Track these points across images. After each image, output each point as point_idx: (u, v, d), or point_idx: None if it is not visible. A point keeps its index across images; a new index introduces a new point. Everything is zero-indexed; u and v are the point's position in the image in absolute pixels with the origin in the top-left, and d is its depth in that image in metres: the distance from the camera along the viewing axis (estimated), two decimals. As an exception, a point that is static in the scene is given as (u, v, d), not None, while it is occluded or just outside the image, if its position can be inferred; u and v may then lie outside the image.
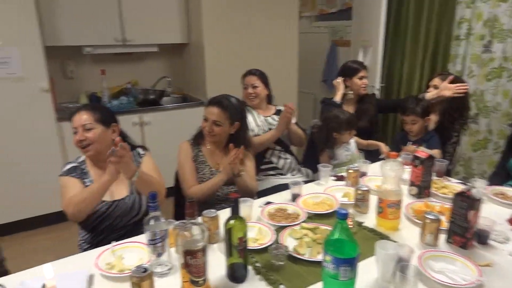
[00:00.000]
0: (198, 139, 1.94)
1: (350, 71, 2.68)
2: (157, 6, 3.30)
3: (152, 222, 1.16)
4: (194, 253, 1.02)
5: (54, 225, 2.99)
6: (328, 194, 1.74)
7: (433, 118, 2.44)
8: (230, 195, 1.13)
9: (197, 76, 3.53)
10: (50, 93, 2.77)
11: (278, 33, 3.57)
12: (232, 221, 1.13)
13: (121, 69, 3.53)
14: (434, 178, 1.83)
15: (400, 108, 2.39)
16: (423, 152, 1.73)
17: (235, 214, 1.13)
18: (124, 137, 1.69)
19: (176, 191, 2.04)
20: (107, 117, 1.62)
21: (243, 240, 1.13)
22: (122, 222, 1.62)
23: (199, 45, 3.36)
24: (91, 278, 1.20)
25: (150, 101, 3.38)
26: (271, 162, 2.36)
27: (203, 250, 1.04)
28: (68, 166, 1.63)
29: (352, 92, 2.68)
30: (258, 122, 2.36)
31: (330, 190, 1.81)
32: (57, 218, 2.96)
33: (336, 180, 1.98)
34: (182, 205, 1.97)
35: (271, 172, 2.34)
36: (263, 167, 2.34)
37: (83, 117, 1.55)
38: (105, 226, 1.61)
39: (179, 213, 2.02)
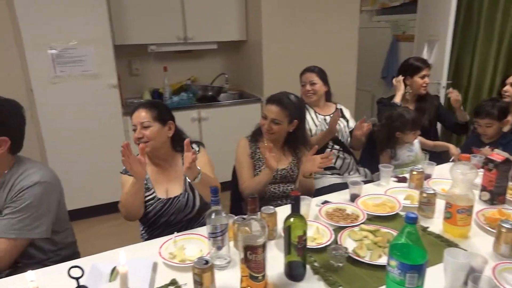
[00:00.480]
0: (256, 136, 1.95)
1: (411, 69, 2.55)
2: (217, 5, 3.37)
3: (213, 216, 1.19)
4: (254, 249, 1.03)
5: (117, 213, 3.18)
6: (389, 196, 1.67)
7: (510, 120, 2.25)
8: (291, 192, 1.12)
9: (254, 73, 3.57)
10: (118, 89, 2.96)
11: (337, 29, 3.49)
12: (292, 219, 1.12)
13: (182, 66, 3.66)
14: (511, 183, 1.68)
15: (474, 111, 2.24)
16: (498, 155, 1.59)
17: (295, 212, 1.13)
18: (180, 133, 1.74)
19: (233, 186, 2.07)
20: (164, 115, 1.64)
21: (303, 239, 1.12)
22: (176, 219, 1.67)
23: (257, 42, 3.38)
24: (155, 266, 1.26)
25: (208, 97, 3.48)
26: None
27: (263, 246, 1.05)
28: None
29: (411, 91, 2.55)
30: (316, 122, 2.33)
31: (391, 192, 1.74)
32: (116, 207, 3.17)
33: (397, 181, 1.90)
34: (239, 199, 2.02)
35: (327, 172, 2.30)
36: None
37: (142, 115, 1.59)
38: (161, 222, 1.67)
39: (236, 208, 2.06)
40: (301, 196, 1.50)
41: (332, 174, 2.29)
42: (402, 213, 1.55)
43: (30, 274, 0.83)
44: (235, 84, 3.86)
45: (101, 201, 3.14)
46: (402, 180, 1.89)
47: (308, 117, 2.29)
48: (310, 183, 1.80)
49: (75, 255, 1.61)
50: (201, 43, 3.46)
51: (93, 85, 2.86)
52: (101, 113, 2.94)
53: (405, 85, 2.57)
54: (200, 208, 1.69)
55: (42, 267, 1.29)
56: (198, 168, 1.50)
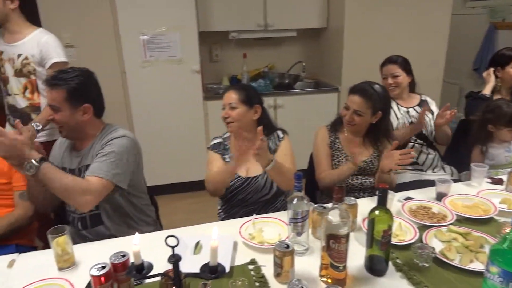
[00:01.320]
0: (336, 126, 1.91)
1: (503, 59, 2.31)
2: (299, -9, 3.34)
3: (295, 201, 1.20)
4: (338, 238, 1.02)
5: (200, 191, 3.34)
6: (482, 198, 1.53)
7: None
8: (379, 185, 1.08)
9: (333, 62, 3.48)
10: (200, 75, 3.09)
11: (426, 16, 3.25)
12: (377, 212, 1.09)
13: (260, 53, 3.70)
14: None
15: None
16: None
17: (381, 205, 1.09)
18: (266, 118, 1.77)
19: (307, 174, 2.06)
20: (251, 98, 1.70)
21: (388, 233, 1.08)
22: (252, 199, 1.72)
23: (338, 29, 3.28)
24: (235, 245, 1.31)
25: (284, 85, 3.48)
26: (416, 163, 2.19)
27: (347, 237, 1.03)
28: (215, 141, 1.79)
29: (500, 84, 2.30)
30: (398, 115, 2.20)
31: (485, 194, 1.59)
32: (203, 185, 3.32)
33: (491, 183, 1.73)
34: (314, 188, 2.01)
35: (409, 167, 2.18)
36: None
37: (231, 96, 1.67)
38: (237, 199, 1.73)
39: (310, 197, 2.05)
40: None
41: (414, 170, 2.16)
42: (498, 218, 1.42)
43: (136, 237, 0.91)
44: (311, 72, 3.81)
45: (183, 179, 3.32)
46: (497, 182, 1.73)
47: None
48: (389, 178, 1.72)
49: (157, 229, 1.73)
50: (281, 30, 3.45)
51: (178, 69, 3.02)
52: (184, 96, 3.10)
53: (496, 77, 2.32)
54: (277, 192, 1.72)
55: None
56: (272, 156, 1.52)
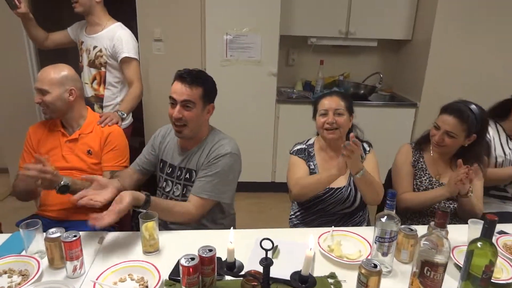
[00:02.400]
0: (421, 144, 1.80)
1: None
2: (386, 0, 3.22)
3: (384, 219, 1.15)
4: (435, 267, 0.96)
5: (262, 193, 3.37)
6: None
7: None
8: (487, 215, 0.99)
9: (414, 76, 3.31)
10: (276, 77, 3.10)
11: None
12: (479, 244, 1.00)
13: (337, 61, 3.63)
14: None
15: None
16: None
17: (486, 237, 1.00)
18: (354, 127, 1.75)
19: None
20: (352, 107, 1.71)
21: (490, 269, 0.99)
22: (334, 210, 1.68)
23: (424, 42, 3.12)
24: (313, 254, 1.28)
25: (359, 95, 3.38)
26: (504, 190, 2.01)
27: (445, 266, 0.96)
28: (298, 147, 1.77)
29: None
30: (506, 149, 1.99)
31: None
32: (266, 187, 3.35)
33: None
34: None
35: (496, 193, 2.00)
36: (491, 192, 2.01)
37: (339, 102, 1.64)
38: (318, 209, 1.70)
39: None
40: (471, 219, 1.36)
41: (504, 200, 1.98)
42: None
43: (231, 234, 0.93)
44: (388, 85, 3.66)
45: (247, 179, 3.35)
46: None
47: (496, 141, 2.01)
48: (469, 204, 1.59)
49: (232, 226, 1.76)
50: (362, 39, 3.37)
51: (256, 71, 3.07)
52: (258, 97, 3.14)
53: None
54: (359, 206, 1.68)
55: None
56: (362, 164, 1.48)
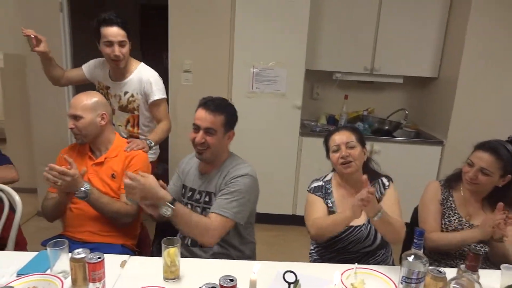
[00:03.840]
0: (451, 182, 1.75)
1: None
2: (412, 39, 3.27)
3: (411, 259, 1.11)
4: (466, 311, 0.91)
5: (282, 226, 3.33)
6: None
7: None
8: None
9: (440, 114, 3.28)
10: (300, 111, 3.14)
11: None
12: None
13: (361, 96, 3.65)
14: None
15: None
16: None
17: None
18: (370, 162, 1.74)
19: (410, 228, 1.91)
20: (363, 139, 1.70)
21: (527, 319, 0.94)
22: (354, 248, 1.63)
23: (451, 80, 3.11)
24: (335, 291, 1.25)
25: (384, 131, 3.37)
26: None
27: (477, 312, 0.91)
28: (315, 184, 1.74)
29: None
30: None
31: None
32: (287, 220, 3.30)
33: None
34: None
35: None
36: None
37: (349, 135, 1.65)
38: (337, 247, 1.65)
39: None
40: (505, 265, 1.29)
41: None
42: None
43: (256, 266, 0.92)
44: (414, 121, 3.63)
45: (266, 210, 3.33)
46: None
47: None
48: (502, 248, 1.52)
49: (253, 256, 1.74)
50: (387, 76, 3.39)
51: (280, 103, 3.12)
52: (282, 130, 3.17)
53: None
54: (380, 244, 1.62)
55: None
56: (380, 206, 1.44)
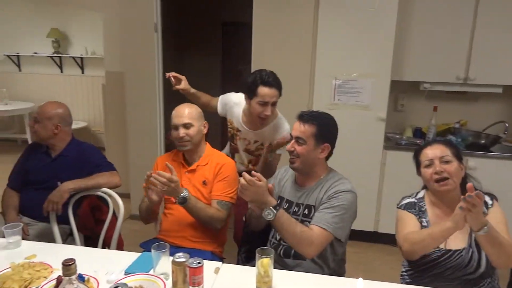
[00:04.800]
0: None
1: None
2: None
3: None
4: None
5: (363, 243, 3.21)
6: None
7: None
8: None
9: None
10: (384, 123, 3.01)
11: None
12: None
13: (452, 107, 3.38)
14: None
15: None
16: None
17: None
18: (466, 178, 1.58)
19: None
20: (460, 154, 1.58)
21: None
22: (453, 275, 1.48)
23: None
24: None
25: (479, 146, 3.07)
26: None
27: None
28: (406, 201, 1.64)
29: None
30: None
31: None
32: (367, 236, 3.18)
33: None
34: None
35: None
36: None
37: (444, 150, 1.54)
38: (434, 273, 1.51)
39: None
40: None
41: None
42: None
43: (359, 283, 0.89)
44: (514, 135, 3.27)
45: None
46: None
47: None
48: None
49: (342, 274, 1.69)
50: (483, 86, 3.10)
51: (363, 115, 3.02)
52: (364, 143, 3.06)
53: None
54: (484, 273, 1.45)
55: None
56: (486, 220, 1.30)
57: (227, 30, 5.17)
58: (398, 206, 1.65)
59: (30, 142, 2.04)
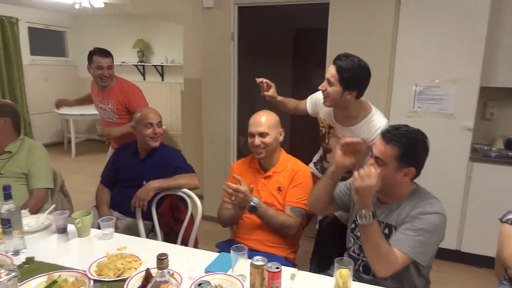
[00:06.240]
0: None
1: None
2: None
3: None
4: None
5: (443, 261, 2.98)
6: None
7: None
8: None
9: None
10: (471, 133, 2.78)
11: None
12: None
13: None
14: None
15: None
16: None
17: None
18: None
19: None
20: None
21: None
22: None
23: None
24: None
25: None
26: None
27: None
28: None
29: None
30: None
31: None
32: (448, 255, 2.95)
33: None
34: None
35: None
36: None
37: None
38: None
39: None
40: None
41: None
42: None
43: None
44: None
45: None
46: None
47: None
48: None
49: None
50: None
51: (446, 124, 2.82)
52: (448, 154, 2.84)
53: None
54: None
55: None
56: None
57: (298, 36, 5.20)
58: (504, 220, 1.49)
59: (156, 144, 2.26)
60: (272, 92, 2.28)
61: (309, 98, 2.30)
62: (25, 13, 6.06)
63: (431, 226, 1.39)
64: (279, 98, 2.32)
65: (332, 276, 1.29)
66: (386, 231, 1.50)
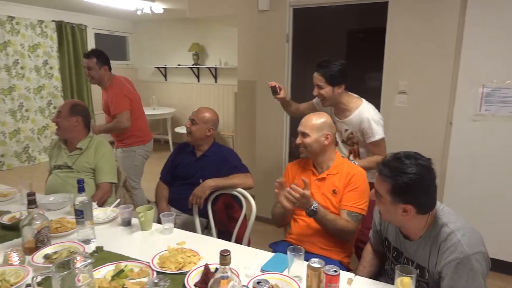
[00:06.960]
0: None
1: None
2: None
3: None
4: None
5: (507, 276, 2.77)
6: None
7: None
8: None
9: None
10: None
11: None
12: None
13: None
14: None
15: None
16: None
17: None
18: None
19: None
20: None
21: None
22: None
23: None
24: None
25: None
26: None
27: None
28: None
29: None
30: None
31: None
32: (507, 268, 2.75)
33: None
34: None
35: None
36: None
37: None
38: None
39: None
40: None
41: None
42: None
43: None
44: None
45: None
46: None
47: None
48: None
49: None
50: None
51: (515, 130, 2.62)
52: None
53: None
54: None
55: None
56: None
57: (352, 37, 5.08)
58: None
59: (183, 141, 2.41)
60: (283, 94, 2.54)
61: (314, 100, 2.55)
62: (92, 20, 6.54)
63: (468, 274, 1.25)
64: (288, 98, 2.62)
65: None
66: (419, 271, 1.37)
